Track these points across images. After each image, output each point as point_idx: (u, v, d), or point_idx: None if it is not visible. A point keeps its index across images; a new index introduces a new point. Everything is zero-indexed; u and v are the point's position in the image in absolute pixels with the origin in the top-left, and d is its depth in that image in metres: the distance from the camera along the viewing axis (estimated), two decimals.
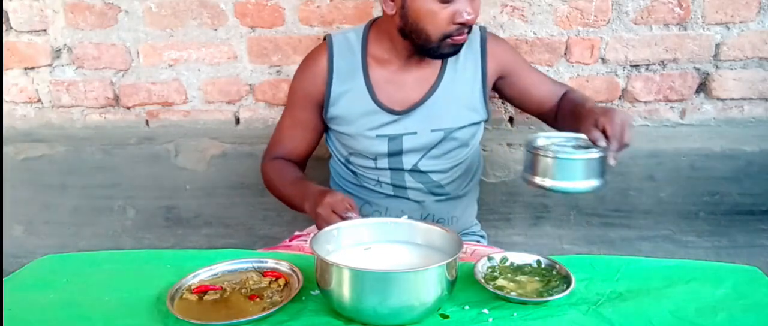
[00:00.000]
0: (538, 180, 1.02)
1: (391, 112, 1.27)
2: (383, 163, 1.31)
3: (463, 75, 1.29)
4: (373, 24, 1.30)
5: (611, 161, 1.00)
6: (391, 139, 1.28)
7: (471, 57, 1.29)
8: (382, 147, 1.29)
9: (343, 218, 1.07)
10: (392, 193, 1.34)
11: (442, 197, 1.35)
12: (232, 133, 1.85)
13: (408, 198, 1.33)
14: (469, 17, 1.14)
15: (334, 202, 1.10)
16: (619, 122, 1.02)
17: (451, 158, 1.32)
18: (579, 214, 1.78)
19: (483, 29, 1.32)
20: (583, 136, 1.05)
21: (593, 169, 1.01)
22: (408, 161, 1.30)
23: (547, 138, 1.07)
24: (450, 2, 1.13)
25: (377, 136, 1.28)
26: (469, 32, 1.19)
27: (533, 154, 1.02)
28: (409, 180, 1.32)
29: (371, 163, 1.32)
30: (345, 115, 1.29)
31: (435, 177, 1.33)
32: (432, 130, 1.28)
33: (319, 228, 1.10)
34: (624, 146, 1.02)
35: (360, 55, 1.28)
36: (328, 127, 1.35)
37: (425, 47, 1.19)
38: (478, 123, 1.34)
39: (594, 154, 1.00)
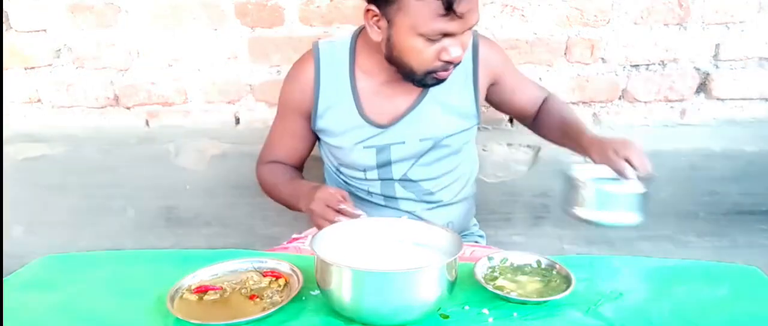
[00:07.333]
0: (583, 213, 1.04)
1: (378, 125, 1.24)
2: (372, 174, 1.29)
3: (452, 82, 1.23)
4: (361, 32, 1.24)
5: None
6: (379, 150, 1.26)
7: (462, 63, 1.21)
8: (371, 158, 1.27)
9: (338, 211, 1.06)
10: (383, 203, 1.33)
11: (434, 205, 1.33)
12: (232, 133, 1.85)
13: (399, 209, 1.31)
14: (456, 55, 1.09)
15: (326, 197, 1.09)
16: (638, 150, 1.06)
17: (442, 165, 1.30)
18: None
19: (475, 33, 1.25)
20: (604, 167, 1.08)
21: (638, 203, 1.03)
22: (397, 171, 1.28)
23: (582, 168, 1.08)
24: (436, 41, 1.07)
25: (365, 147, 1.26)
26: (455, 66, 1.14)
27: (579, 187, 1.04)
28: (399, 191, 1.31)
29: (361, 175, 1.31)
30: (332, 128, 1.27)
31: (425, 185, 1.31)
32: (420, 139, 1.25)
33: (316, 225, 1.10)
34: (650, 176, 1.05)
35: (347, 65, 1.24)
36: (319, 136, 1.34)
37: (408, 78, 1.16)
38: (470, 129, 1.31)
39: (640, 188, 1.03)
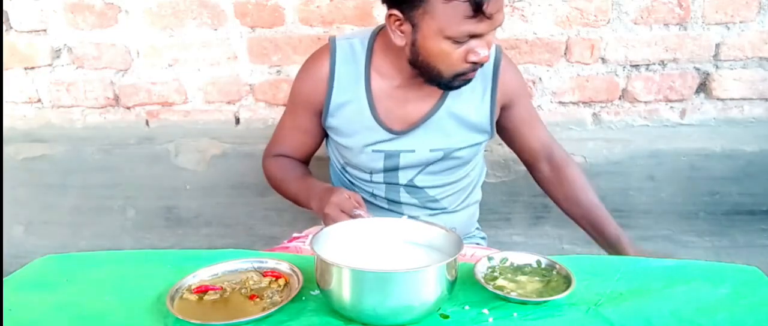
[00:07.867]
0: None
1: (390, 130, 1.23)
2: (378, 177, 1.29)
3: (469, 95, 1.21)
4: (379, 32, 1.22)
5: None
6: (388, 155, 1.25)
7: (481, 77, 1.19)
8: (378, 162, 1.26)
9: (352, 216, 1.06)
10: (386, 207, 1.33)
11: (437, 211, 1.33)
12: (232, 133, 1.85)
13: (401, 214, 1.30)
14: (483, 56, 1.07)
15: (341, 201, 1.09)
16: None
17: (449, 174, 1.29)
18: None
19: (498, 49, 1.24)
20: None
21: None
22: (404, 176, 1.28)
23: None
24: (463, 42, 1.05)
25: (374, 151, 1.25)
26: (482, 65, 1.13)
27: None
28: (403, 196, 1.30)
29: (366, 176, 1.30)
30: (343, 127, 1.25)
31: (431, 192, 1.30)
32: (431, 150, 1.24)
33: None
34: None
35: (364, 65, 1.21)
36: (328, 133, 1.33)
37: (434, 81, 1.14)
38: (481, 143, 1.30)
39: None
